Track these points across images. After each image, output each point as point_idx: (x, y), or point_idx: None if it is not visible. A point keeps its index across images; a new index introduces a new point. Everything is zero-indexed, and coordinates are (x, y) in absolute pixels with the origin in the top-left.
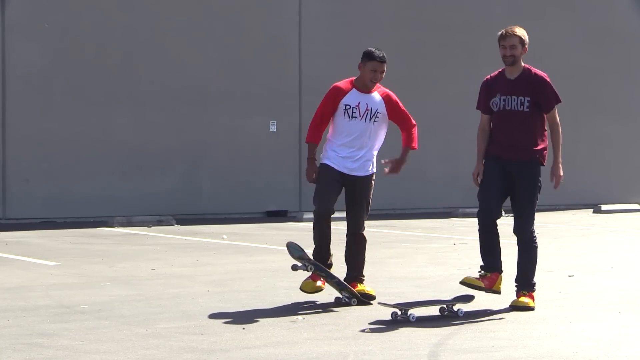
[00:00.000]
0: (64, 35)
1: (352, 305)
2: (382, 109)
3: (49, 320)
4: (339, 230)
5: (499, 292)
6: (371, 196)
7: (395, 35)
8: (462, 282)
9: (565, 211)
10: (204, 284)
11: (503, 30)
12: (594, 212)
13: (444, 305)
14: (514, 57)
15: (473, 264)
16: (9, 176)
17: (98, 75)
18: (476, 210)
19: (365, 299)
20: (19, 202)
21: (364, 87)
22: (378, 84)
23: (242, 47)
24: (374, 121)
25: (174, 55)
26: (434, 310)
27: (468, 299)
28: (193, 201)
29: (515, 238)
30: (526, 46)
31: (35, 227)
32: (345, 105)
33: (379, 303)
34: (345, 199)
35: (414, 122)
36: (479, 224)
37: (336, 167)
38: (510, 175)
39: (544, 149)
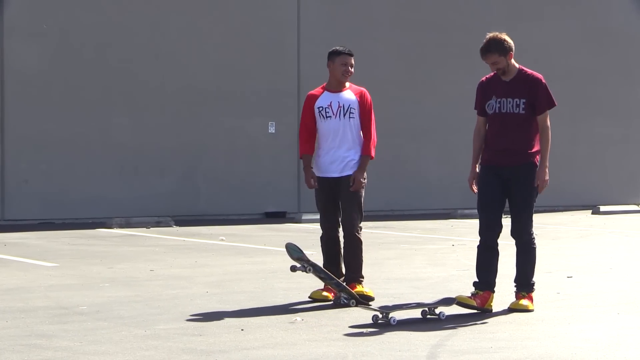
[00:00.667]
0: (62, 36)
1: (350, 306)
2: (356, 104)
3: (48, 321)
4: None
5: (490, 311)
6: (362, 195)
7: (393, 37)
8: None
9: (564, 212)
10: (203, 285)
11: (480, 47)
12: (592, 213)
13: (426, 308)
14: (500, 69)
15: (472, 265)
16: (8, 177)
17: (96, 77)
18: (474, 211)
19: (364, 300)
20: (18, 203)
21: (335, 86)
22: (351, 83)
23: (241, 48)
24: (350, 117)
25: (173, 56)
26: (417, 313)
27: (450, 301)
28: (192, 202)
29: (512, 241)
30: (511, 52)
31: (33, 228)
32: (318, 107)
33: (358, 305)
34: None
35: (373, 129)
36: (480, 239)
37: (323, 175)
38: (506, 181)
39: (539, 151)
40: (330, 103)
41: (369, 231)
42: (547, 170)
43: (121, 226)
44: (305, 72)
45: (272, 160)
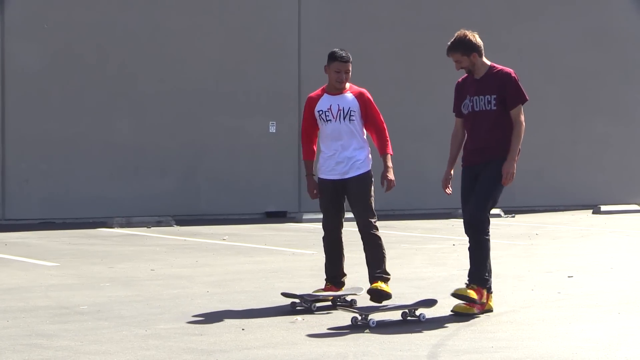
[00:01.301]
0: (63, 36)
1: (352, 306)
2: (356, 107)
3: (49, 321)
4: (345, 231)
5: (491, 310)
6: (372, 193)
7: (394, 36)
8: (453, 311)
9: (565, 212)
10: (203, 285)
11: (447, 45)
12: (593, 212)
13: (406, 310)
14: (464, 68)
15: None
16: (9, 177)
17: (97, 77)
18: None
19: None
20: (18, 203)
21: (333, 89)
22: (351, 84)
23: (242, 48)
24: (350, 119)
25: (173, 56)
26: (397, 315)
27: (430, 303)
28: (192, 202)
29: (513, 241)
30: (475, 51)
31: (34, 227)
32: (318, 111)
33: (338, 306)
34: (348, 202)
35: (384, 125)
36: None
37: (328, 177)
38: (479, 176)
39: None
40: (330, 106)
41: None
42: (514, 164)
43: (122, 226)
44: (306, 72)
45: (273, 160)
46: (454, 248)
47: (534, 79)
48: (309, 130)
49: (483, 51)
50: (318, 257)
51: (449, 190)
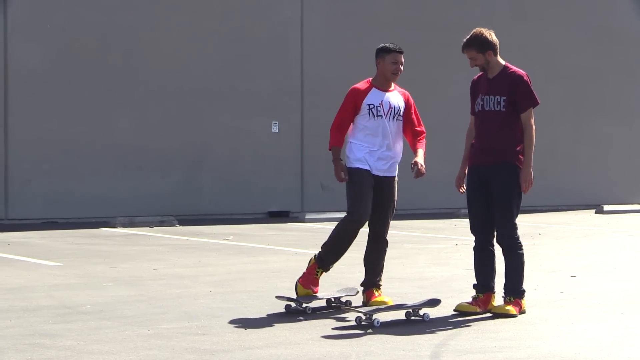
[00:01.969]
0: (65, 35)
1: (346, 305)
2: (403, 107)
3: (51, 320)
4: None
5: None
6: (396, 199)
7: (396, 36)
8: (456, 310)
9: (568, 212)
10: (206, 285)
11: (463, 41)
12: (596, 212)
13: (410, 310)
14: (479, 66)
15: None
16: (11, 177)
17: (100, 76)
18: None
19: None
20: (21, 203)
21: (383, 85)
22: (395, 84)
23: (244, 47)
24: (397, 119)
25: (176, 55)
26: (401, 315)
27: (434, 303)
28: (195, 202)
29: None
30: (490, 49)
31: (37, 227)
32: (369, 105)
33: (343, 307)
34: (372, 200)
35: (424, 129)
36: (474, 241)
37: (369, 169)
38: (487, 181)
39: (522, 151)
40: (382, 102)
41: None
42: (531, 170)
43: (124, 225)
44: (309, 72)
45: (276, 160)
46: (456, 248)
47: (537, 78)
48: (345, 120)
49: (498, 50)
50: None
51: (462, 190)
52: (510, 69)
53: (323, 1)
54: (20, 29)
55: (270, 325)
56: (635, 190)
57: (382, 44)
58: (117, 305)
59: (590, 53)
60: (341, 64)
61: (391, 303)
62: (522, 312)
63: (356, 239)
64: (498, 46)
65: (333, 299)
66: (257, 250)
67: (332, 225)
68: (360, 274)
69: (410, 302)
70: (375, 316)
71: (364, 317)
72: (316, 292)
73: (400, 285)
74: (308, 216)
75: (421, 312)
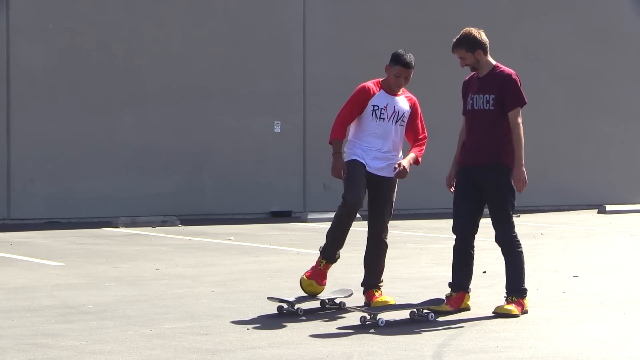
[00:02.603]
0: (68, 36)
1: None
2: (408, 112)
3: (53, 320)
4: (356, 230)
5: (468, 309)
6: (393, 201)
7: (399, 36)
8: (429, 309)
9: (570, 212)
10: (208, 285)
11: (453, 41)
12: (598, 212)
13: (414, 310)
14: (469, 65)
15: (478, 265)
16: (14, 176)
17: (102, 76)
18: None
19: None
20: (24, 203)
21: (391, 89)
22: (404, 89)
23: (247, 47)
24: (400, 124)
25: (178, 55)
26: (405, 314)
27: (438, 302)
28: (197, 201)
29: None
30: (480, 49)
31: (39, 227)
32: (374, 106)
33: (347, 307)
34: (368, 200)
35: (426, 136)
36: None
37: (364, 164)
38: (478, 183)
39: (512, 151)
40: (387, 105)
41: None
42: (523, 169)
43: (127, 225)
44: (311, 72)
45: (278, 160)
46: None
47: (539, 78)
48: (349, 115)
49: (488, 49)
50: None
51: (452, 189)
52: (500, 68)
53: (326, 1)
54: (23, 28)
55: (273, 325)
56: (637, 190)
57: (399, 51)
58: (119, 305)
59: (593, 53)
60: (344, 64)
61: (393, 302)
62: (524, 312)
63: (358, 240)
64: (488, 45)
65: (327, 300)
66: (259, 250)
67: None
68: (362, 273)
69: (414, 302)
70: (379, 316)
71: (368, 317)
72: (324, 284)
73: (402, 285)
74: (310, 216)
75: (425, 312)
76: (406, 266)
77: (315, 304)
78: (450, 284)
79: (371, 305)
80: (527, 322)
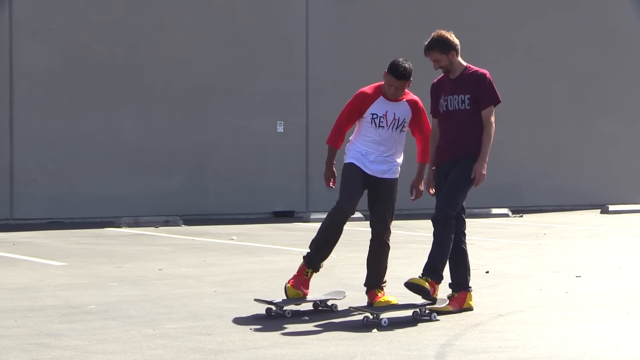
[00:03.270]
0: (70, 36)
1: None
2: (409, 116)
3: (56, 320)
4: (359, 230)
5: (471, 309)
6: (395, 202)
7: (401, 36)
8: (430, 309)
9: (573, 212)
10: (211, 285)
11: (424, 45)
12: (601, 212)
13: (417, 309)
14: (442, 68)
15: (480, 265)
16: (16, 177)
17: (105, 76)
18: (482, 210)
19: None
20: (26, 203)
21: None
22: (407, 91)
23: (249, 47)
24: (400, 130)
25: (181, 55)
26: (407, 314)
27: (441, 302)
28: (200, 201)
29: (521, 240)
30: (453, 50)
31: (42, 227)
32: (373, 114)
33: (350, 307)
34: (368, 202)
35: (430, 132)
36: None
37: (362, 168)
38: (449, 175)
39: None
40: (386, 113)
41: None
42: (485, 165)
43: (130, 225)
44: (314, 72)
45: (281, 160)
46: None
47: (542, 78)
48: (346, 122)
49: (459, 51)
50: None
51: (432, 191)
52: (472, 68)
53: (328, 1)
54: (25, 28)
55: (275, 325)
56: None
57: (396, 61)
58: (122, 305)
59: (595, 53)
60: (346, 64)
61: (396, 302)
62: (434, 298)
63: (360, 239)
64: (459, 47)
65: (319, 302)
66: (262, 250)
67: None
68: (365, 273)
69: (419, 302)
70: (382, 315)
71: (371, 317)
72: (306, 294)
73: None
74: (313, 216)
75: (428, 312)
76: (409, 266)
77: (305, 307)
78: (450, 285)
79: (374, 306)
80: (530, 322)
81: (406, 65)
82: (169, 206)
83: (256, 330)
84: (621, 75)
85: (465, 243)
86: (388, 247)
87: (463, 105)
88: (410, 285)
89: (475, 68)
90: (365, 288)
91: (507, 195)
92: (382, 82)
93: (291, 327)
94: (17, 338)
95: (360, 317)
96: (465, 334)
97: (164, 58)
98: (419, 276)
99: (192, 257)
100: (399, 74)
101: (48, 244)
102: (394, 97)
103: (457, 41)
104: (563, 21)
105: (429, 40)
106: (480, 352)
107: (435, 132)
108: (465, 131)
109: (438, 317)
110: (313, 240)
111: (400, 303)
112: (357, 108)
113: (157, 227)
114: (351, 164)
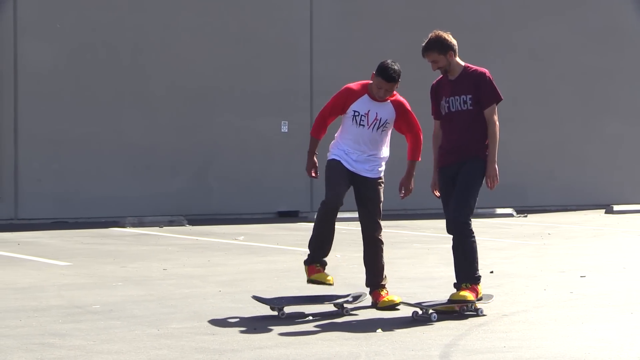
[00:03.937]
0: (75, 36)
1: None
2: (392, 117)
3: (61, 320)
4: (357, 231)
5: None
6: (382, 200)
7: (405, 36)
8: (435, 309)
9: (577, 212)
10: (216, 284)
11: (422, 46)
12: (606, 212)
13: (417, 310)
14: (441, 68)
15: (485, 265)
16: (21, 177)
17: (109, 76)
18: (488, 210)
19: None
20: (31, 203)
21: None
22: (396, 92)
23: (253, 47)
24: (382, 131)
25: (185, 55)
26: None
27: (487, 298)
28: (204, 201)
29: (525, 240)
30: (451, 50)
31: (47, 227)
32: (354, 111)
33: (402, 302)
34: (356, 203)
35: (420, 132)
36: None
37: (345, 165)
38: (456, 177)
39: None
40: (368, 112)
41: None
42: (495, 166)
43: (134, 225)
44: (318, 72)
45: (285, 160)
46: None
47: (546, 78)
48: (328, 114)
49: (457, 51)
50: (330, 256)
51: (438, 193)
52: (472, 68)
53: (332, 1)
54: (30, 28)
55: (280, 325)
56: None
57: (385, 62)
58: (126, 305)
59: (598, 53)
60: (350, 64)
61: (400, 301)
62: (479, 298)
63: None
64: (457, 47)
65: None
66: (266, 250)
67: (340, 225)
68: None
69: (426, 302)
70: (431, 310)
71: (420, 312)
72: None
73: (409, 285)
74: None
75: (429, 312)
76: (413, 266)
77: (301, 308)
78: (455, 285)
79: (378, 305)
80: (534, 322)
81: (395, 67)
82: (173, 206)
83: (260, 330)
84: (626, 75)
85: (475, 242)
86: (382, 244)
87: (465, 106)
88: (454, 302)
89: (474, 67)
90: (368, 289)
91: (512, 195)
92: (370, 82)
93: (295, 327)
94: (22, 338)
95: (360, 316)
96: (469, 334)
97: (168, 58)
98: (454, 283)
99: (196, 257)
100: (388, 77)
101: (53, 244)
102: (382, 99)
103: (454, 41)
104: (566, 21)
105: (426, 41)
106: (484, 352)
107: (437, 133)
108: (469, 132)
109: (437, 317)
110: (310, 241)
111: (404, 301)
112: (340, 102)
113: (162, 227)
114: (335, 160)
